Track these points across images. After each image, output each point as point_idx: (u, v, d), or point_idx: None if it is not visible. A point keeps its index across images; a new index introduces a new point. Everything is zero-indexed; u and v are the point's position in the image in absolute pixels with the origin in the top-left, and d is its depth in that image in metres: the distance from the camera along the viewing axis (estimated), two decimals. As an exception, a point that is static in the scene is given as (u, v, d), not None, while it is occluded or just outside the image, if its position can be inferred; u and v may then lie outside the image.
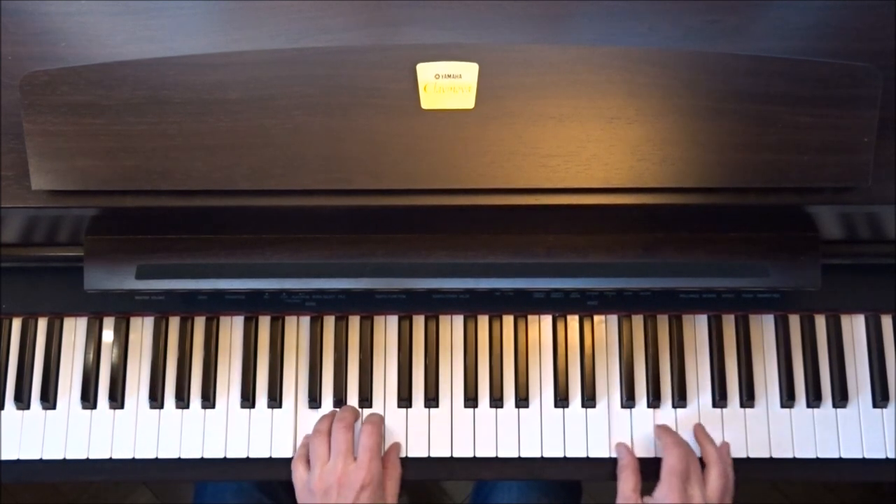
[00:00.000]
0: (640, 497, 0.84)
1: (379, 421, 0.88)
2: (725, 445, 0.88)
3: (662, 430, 0.88)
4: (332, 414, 0.89)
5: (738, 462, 0.88)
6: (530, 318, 0.92)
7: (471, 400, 0.90)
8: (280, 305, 0.92)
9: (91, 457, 0.90)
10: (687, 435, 0.89)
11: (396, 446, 0.89)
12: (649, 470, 0.86)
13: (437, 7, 0.83)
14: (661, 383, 0.91)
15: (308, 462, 0.86)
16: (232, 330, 0.93)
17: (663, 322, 0.92)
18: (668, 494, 0.81)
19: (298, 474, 0.86)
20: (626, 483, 0.85)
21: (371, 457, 0.84)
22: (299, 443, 0.90)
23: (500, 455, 0.89)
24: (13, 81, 0.77)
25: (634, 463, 0.87)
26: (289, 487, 1.07)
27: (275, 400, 0.91)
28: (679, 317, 0.92)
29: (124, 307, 0.92)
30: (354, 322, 0.93)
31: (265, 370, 0.92)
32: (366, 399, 0.91)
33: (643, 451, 0.89)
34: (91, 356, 0.92)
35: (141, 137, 0.74)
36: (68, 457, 0.90)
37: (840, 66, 0.75)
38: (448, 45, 0.75)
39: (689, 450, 0.85)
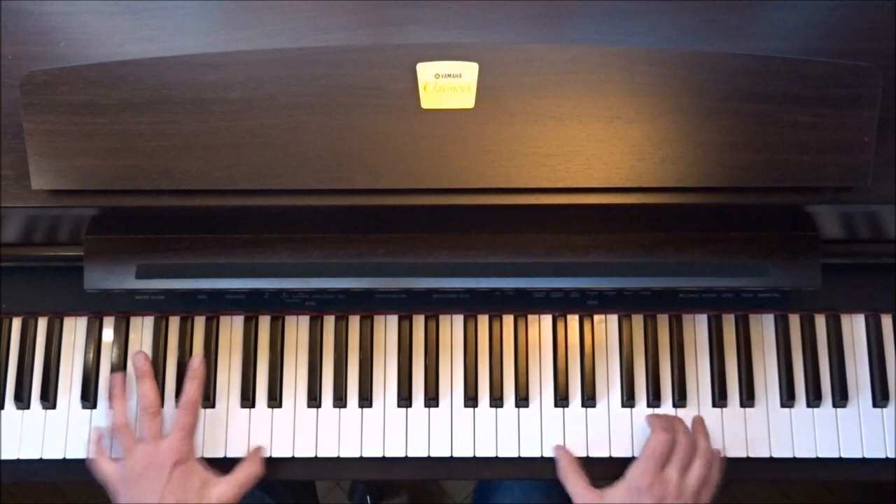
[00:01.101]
0: (593, 491, 0.84)
1: (194, 401, 0.87)
2: (717, 451, 0.87)
3: (655, 415, 0.87)
4: (121, 400, 0.87)
5: (737, 462, 0.88)
6: (530, 317, 0.92)
7: (471, 399, 0.90)
8: (280, 305, 0.92)
9: (91, 456, 0.90)
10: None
11: (259, 448, 0.89)
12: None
13: (437, 7, 0.83)
14: (661, 383, 0.91)
15: (110, 458, 0.87)
16: (232, 330, 0.93)
17: (663, 322, 0.92)
18: (642, 474, 0.81)
19: (106, 469, 0.86)
20: (576, 484, 0.85)
21: (183, 436, 0.84)
22: (92, 438, 0.89)
23: (500, 455, 0.89)
24: (13, 81, 0.77)
25: (574, 461, 0.87)
26: (289, 486, 1.07)
27: (275, 400, 0.91)
28: (679, 316, 0.92)
29: (124, 307, 0.92)
30: (354, 322, 0.93)
31: (265, 370, 0.92)
32: (366, 398, 0.91)
33: (643, 450, 0.89)
34: (91, 356, 0.92)
35: (141, 137, 0.74)
36: (68, 457, 0.90)
37: (840, 66, 0.75)
38: (448, 45, 0.75)
39: (677, 439, 0.84)
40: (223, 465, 0.88)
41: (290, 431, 0.90)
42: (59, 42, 0.82)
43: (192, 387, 0.87)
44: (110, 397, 0.88)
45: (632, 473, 0.83)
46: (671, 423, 0.85)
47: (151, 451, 0.83)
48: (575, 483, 0.85)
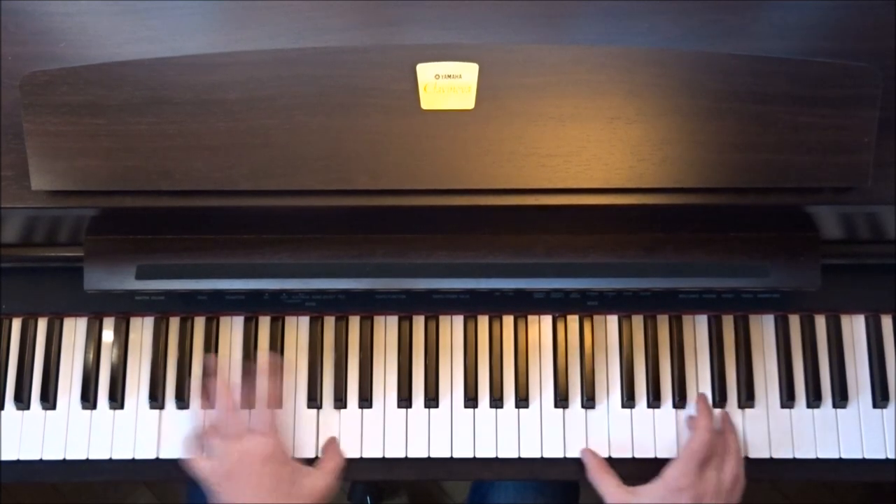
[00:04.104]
0: (626, 490, 0.84)
1: (266, 397, 0.87)
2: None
3: (701, 412, 0.86)
4: (207, 403, 0.89)
5: (738, 462, 0.88)
6: (530, 318, 0.92)
7: (471, 400, 0.90)
8: (280, 305, 0.92)
9: (91, 457, 0.90)
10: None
11: (333, 439, 0.89)
12: (648, 470, 0.86)
13: (437, 7, 0.83)
14: (661, 383, 0.91)
15: (206, 457, 0.86)
16: (232, 330, 0.93)
17: (663, 322, 0.92)
18: (682, 474, 0.81)
19: (204, 468, 0.85)
20: (608, 484, 0.85)
21: (262, 431, 0.84)
22: (189, 438, 0.89)
23: (500, 455, 0.89)
24: (13, 81, 0.77)
25: (604, 463, 0.87)
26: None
27: (275, 400, 0.91)
28: (679, 317, 0.92)
29: (124, 307, 0.92)
30: (354, 322, 0.92)
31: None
32: (366, 399, 0.91)
33: (643, 451, 0.89)
34: (91, 356, 0.92)
35: (141, 137, 0.75)
36: (68, 457, 0.90)
37: (840, 66, 0.75)
38: (448, 45, 0.75)
39: (718, 440, 0.84)
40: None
41: (290, 432, 0.90)
42: (59, 42, 0.82)
43: (262, 383, 0.88)
44: (201, 400, 0.89)
45: (670, 473, 0.82)
46: (712, 423, 0.85)
47: (239, 449, 0.83)
48: (607, 482, 0.85)
